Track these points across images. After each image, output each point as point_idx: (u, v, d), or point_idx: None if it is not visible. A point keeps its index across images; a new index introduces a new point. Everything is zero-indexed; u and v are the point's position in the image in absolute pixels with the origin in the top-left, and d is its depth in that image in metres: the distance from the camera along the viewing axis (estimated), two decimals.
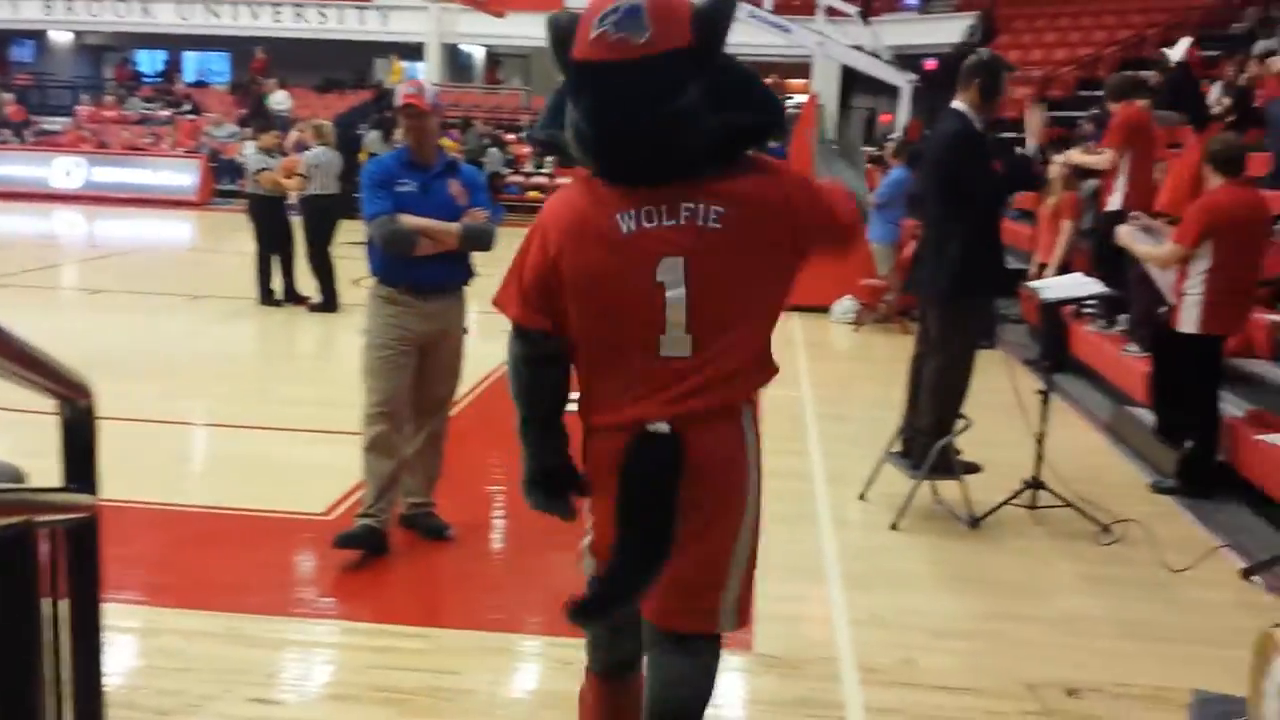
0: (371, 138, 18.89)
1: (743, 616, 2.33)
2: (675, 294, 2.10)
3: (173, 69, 29.77)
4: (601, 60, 2.03)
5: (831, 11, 21.39)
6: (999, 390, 5.37)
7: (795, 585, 4.28)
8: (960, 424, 4.95)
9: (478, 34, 27.08)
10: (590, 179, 2.17)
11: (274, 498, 5.00)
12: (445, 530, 4.55)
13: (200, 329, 9.20)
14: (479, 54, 29.85)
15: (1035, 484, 5.12)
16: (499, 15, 20.73)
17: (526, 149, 23.04)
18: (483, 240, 4.33)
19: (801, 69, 28.48)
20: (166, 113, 24.75)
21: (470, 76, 29.71)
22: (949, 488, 5.07)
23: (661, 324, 2.12)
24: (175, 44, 28.96)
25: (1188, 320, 5.32)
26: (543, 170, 22.18)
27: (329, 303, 9.78)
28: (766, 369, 2.26)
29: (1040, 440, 5.11)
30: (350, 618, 3.88)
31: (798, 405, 7.05)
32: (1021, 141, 5.13)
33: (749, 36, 23.99)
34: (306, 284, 10.04)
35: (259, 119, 14.51)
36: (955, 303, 4.84)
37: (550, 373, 2.24)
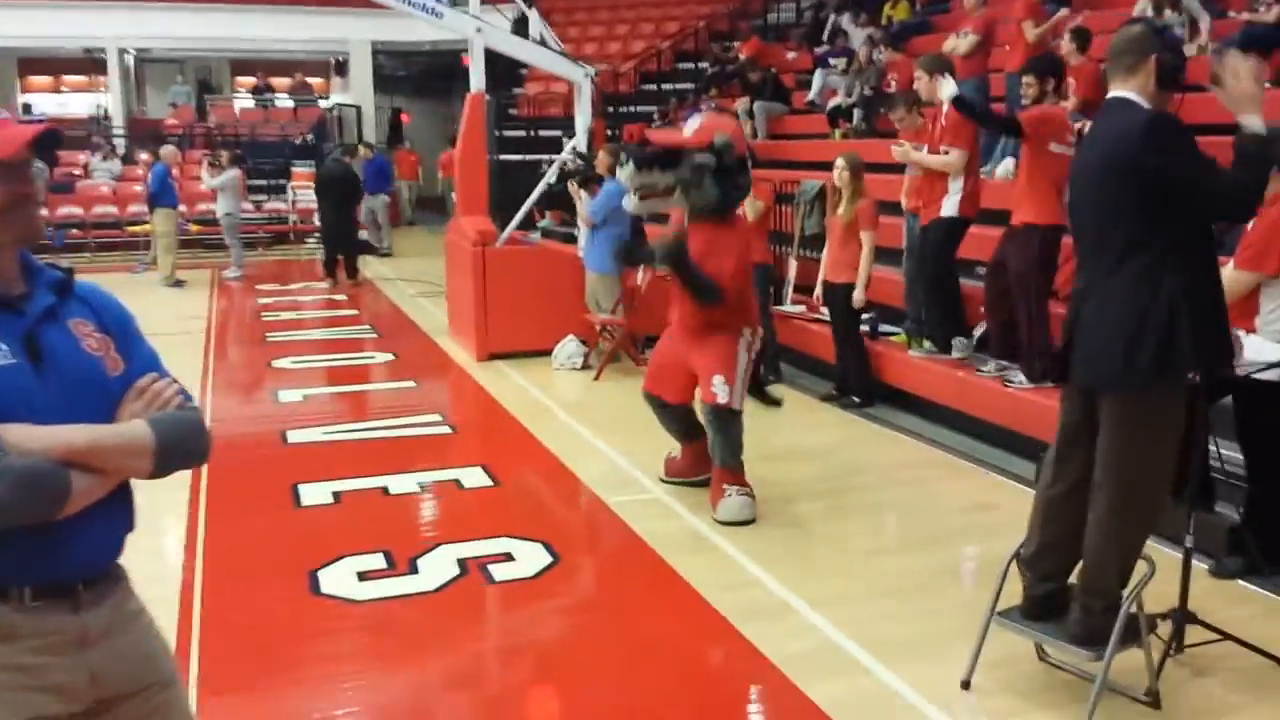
0: None
1: None
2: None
3: None
4: (745, 154, 5.25)
5: None
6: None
7: None
8: (1144, 569, 3.27)
9: None
10: (735, 216, 5.19)
11: None
12: None
13: None
14: None
15: (1184, 615, 3.61)
16: None
17: None
18: (193, 444, 1.91)
19: (323, 68, 25.58)
20: None
21: None
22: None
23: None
24: None
25: None
26: None
27: None
28: None
29: (1188, 557, 3.61)
30: None
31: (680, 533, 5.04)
32: None
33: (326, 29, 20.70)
34: None
35: None
36: (1158, 387, 3.13)
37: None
